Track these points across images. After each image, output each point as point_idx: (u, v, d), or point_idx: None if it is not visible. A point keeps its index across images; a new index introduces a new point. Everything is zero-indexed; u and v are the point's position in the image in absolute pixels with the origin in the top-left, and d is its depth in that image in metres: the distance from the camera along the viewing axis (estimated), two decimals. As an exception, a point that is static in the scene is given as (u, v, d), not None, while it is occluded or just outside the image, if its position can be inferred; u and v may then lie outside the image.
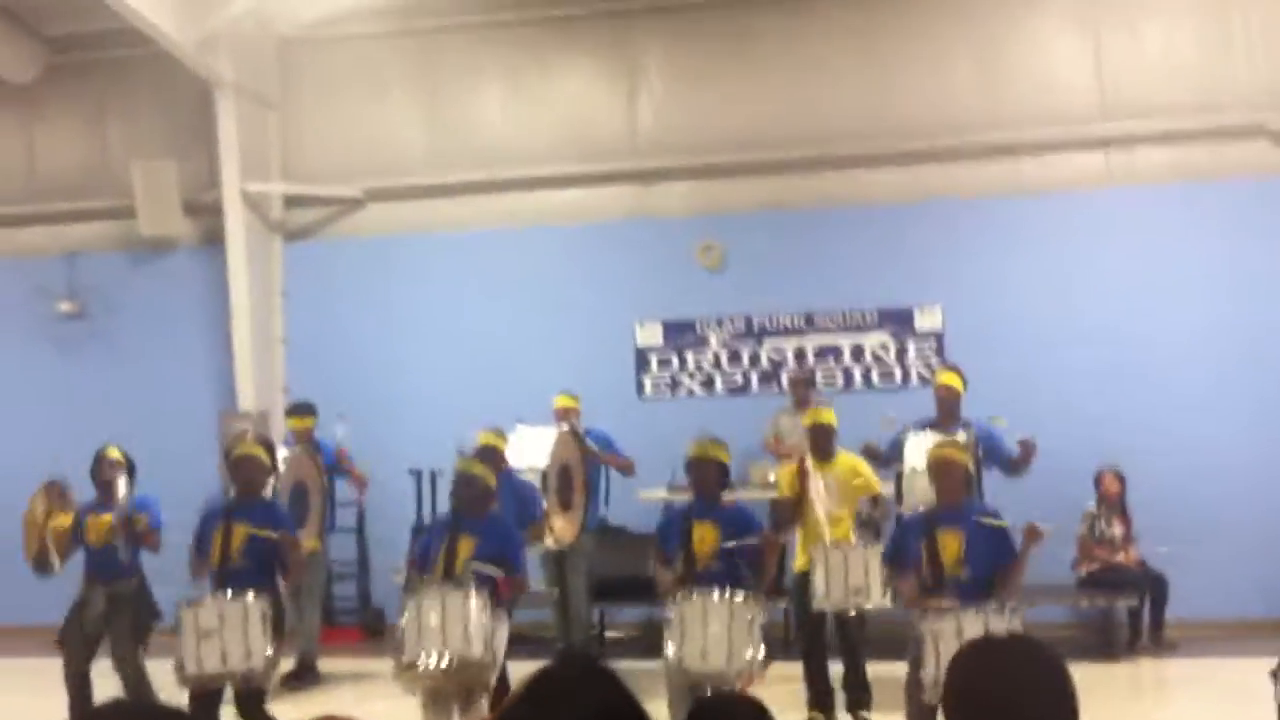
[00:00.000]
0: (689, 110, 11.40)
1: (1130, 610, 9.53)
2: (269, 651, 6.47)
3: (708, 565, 6.69)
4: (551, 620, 9.51)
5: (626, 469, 9.70)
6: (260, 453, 7.38)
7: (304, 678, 9.19)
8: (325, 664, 9.52)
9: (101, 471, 7.71)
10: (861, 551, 7.42)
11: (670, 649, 6.28)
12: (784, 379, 10.84)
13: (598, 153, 11.49)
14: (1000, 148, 10.84)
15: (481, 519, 7.08)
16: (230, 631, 6.44)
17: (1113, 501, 9.69)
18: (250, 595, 6.55)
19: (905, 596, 6.48)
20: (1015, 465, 8.68)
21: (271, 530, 6.93)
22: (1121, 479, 9.71)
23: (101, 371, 12.00)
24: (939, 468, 6.52)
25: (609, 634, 10.23)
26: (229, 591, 6.61)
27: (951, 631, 5.51)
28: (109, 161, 12.18)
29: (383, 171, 11.87)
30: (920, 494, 7.52)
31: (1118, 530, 9.68)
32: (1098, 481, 9.73)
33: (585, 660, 2.24)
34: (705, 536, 6.77)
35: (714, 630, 6.23)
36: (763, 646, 6.27)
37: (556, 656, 2.19)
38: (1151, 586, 9.44)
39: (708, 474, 6.96)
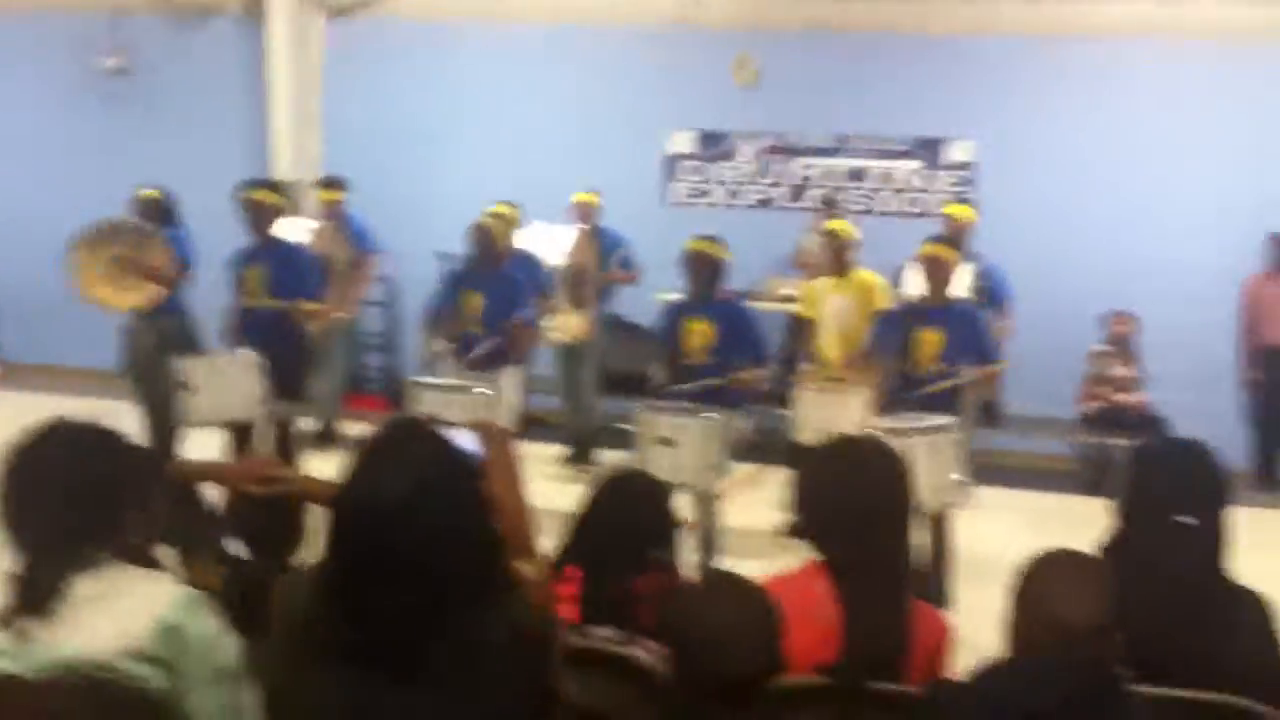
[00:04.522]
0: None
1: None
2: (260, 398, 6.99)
3: (700, 360, 6.74)
4: (561, 410, 9.82)
5: (628, 281, 9.82)
6: (262, 195, 7.61)
7: (325, 440, 9.55)
8: (352, 428, 9.75)
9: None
10: (843, 398, 7.20)
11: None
12: (812, 197, 10.88)
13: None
14: (1050, -14, 10.69)
15: (491, 275, 7.35)
16: (224, 381, 6.96)
17: (1119, 343, 9.82)
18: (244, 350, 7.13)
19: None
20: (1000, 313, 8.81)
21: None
22: (1130, 322, 9.81)
23: (140, 128, 12.11)
24: (927, 263, 6.55)
25: (620, 425, 10.47)
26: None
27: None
28: (157, -80, 12.09)
29: (428, -46, 11.80)
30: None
31: (1122, 371, 9.83)
32: (1106, 321, 9.88)
33: (414, 423, 2.33)
34: (696, 330, 6.79)
35: (678, 449, 6.22)
36: (728, 459, 6.36)
37: (386, 421, 2.35)
38: (1149, 429, 9.62)
39: (700, 268, 6.89)
